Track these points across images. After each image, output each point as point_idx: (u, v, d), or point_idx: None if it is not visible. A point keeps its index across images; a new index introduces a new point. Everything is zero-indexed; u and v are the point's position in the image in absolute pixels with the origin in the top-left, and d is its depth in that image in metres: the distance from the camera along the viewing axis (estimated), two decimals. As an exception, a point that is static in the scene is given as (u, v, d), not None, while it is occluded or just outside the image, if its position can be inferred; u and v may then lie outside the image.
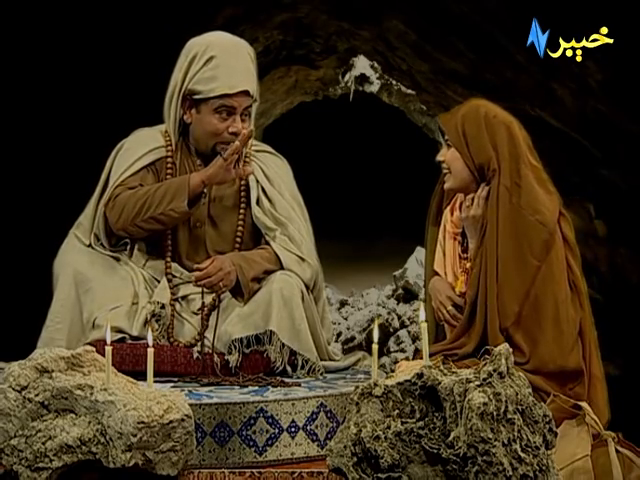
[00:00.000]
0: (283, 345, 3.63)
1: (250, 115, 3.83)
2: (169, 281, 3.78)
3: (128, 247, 3.85)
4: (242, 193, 3.86)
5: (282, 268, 3.74)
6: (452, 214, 3.78)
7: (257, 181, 3.86)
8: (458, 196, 3.76)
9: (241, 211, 3.84)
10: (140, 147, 3.84)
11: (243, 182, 3.86)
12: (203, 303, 3.71)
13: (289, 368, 3.66)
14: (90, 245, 3.82)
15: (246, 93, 3.76)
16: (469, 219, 3.66)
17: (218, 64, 3.74)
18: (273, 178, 3.88)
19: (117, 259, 3.82)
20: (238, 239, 3.83)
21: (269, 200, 3.85)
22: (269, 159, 3.93)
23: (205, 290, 3.70)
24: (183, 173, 3.82)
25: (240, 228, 3.84)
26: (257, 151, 3.92)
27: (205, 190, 3.81)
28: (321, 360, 3.74)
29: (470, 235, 3.67)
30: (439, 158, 3.70)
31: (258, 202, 3.84)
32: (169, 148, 3.84)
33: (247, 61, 3.81)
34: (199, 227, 3.83)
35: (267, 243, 3.81)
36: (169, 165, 3.82)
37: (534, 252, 3.57)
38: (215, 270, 3.68)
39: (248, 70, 3.80)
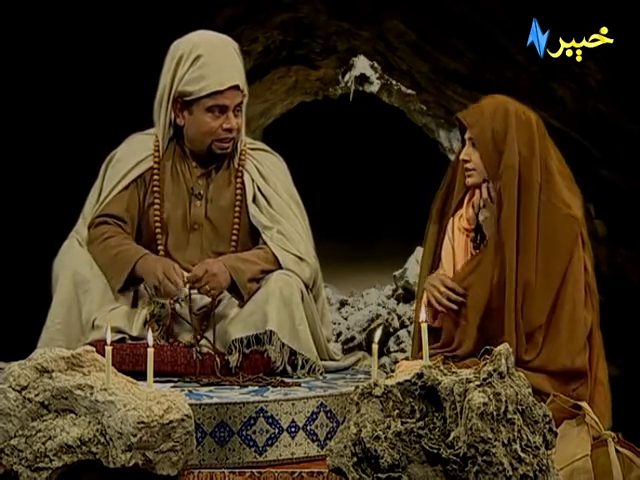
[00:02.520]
0: (283, 345, 3.62)
1: (242, 111, 3.82)
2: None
3: None
4: (238, 191, 3.85)
5: (280, 267, 3.74)
6: (467, 211, 3.75)
7: (252, 180, 3.86)
8: (475, 192, 3.73)
9: (236, 209, 3.84)
10: (130, 159, 3.85)
11: (239, 181, 3.86)
12: (190, 307, 3.71)
13: (289, 368, 3.66)
14: None
15: (236, 88, 3.76)
16: (485, 221, 3.66)
17: (205, 62, 3.74)
18: (268, 176, 3.87)
19: (117, 259, 3.82)
20: (234, 237, 3.82)
21: (265, 198, 3.84)
22: (264, 157, 3.92)
23: (194, 292, 3.70)
24: (179, 176, 3.83)
25: (236, 227, 3.83)
26: (252, 149, 3.91)
27: (202, 192, 3.81)
28: (321, 359, 3.74)
29: (489, 235, 3.66)
30: (464, 157, 3.64)
31: (254, 200, 3.84)
32: (156, 155, 3.84)
33: (234, 56, 3.81)
34: (197, 229, 3.83)
35: (265, 242, 3.80)
36: (155, 172, 3.82)
37: (565, 247, 3.54)
38: (201, 273, 3.67)
39: (235, 65, 3.79)
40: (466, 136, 3.66)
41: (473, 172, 3.64)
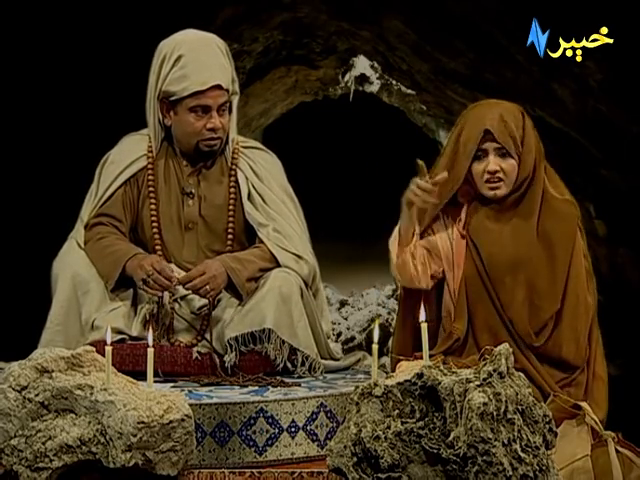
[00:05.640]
0: (283, 342, 3.62)
1: (230, 110, 3.81)
2: None
3: None
4: (231, 189, 3.85)
5: (278, 265, 3.74)
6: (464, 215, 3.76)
7: (246, 178, 3.85)
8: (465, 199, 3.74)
9: (230, 207, 3.84)
10: (123, 160, 3.85)
11: (232, 179, 3.86)
12: (169, 309, 3.71)
13: (289, 364, 3.65)
14: None
15: (219, 87, 3.74)
16: None
17: (187, 62, 3.72)
18: (262, 174, 3.87)
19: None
20: (230, 236, 3.82)
21: (260, 196, 3.84)
22: (258, 155, 3.91)
23: (184, 293, 3.70)
24: (170, 175, 3.83)
25: (231, 225, 3.83)
26: (245, 147, 3.90)
27: (193, 190, 3.82)
28: (321, 357, 3.74)
29: None
30: (495, 168, 3.57)
31: (249, 198, 3.84)
32: (150, 155, 3.84)
33: (217, 55, 3.77)
34: (192, 228, 3.83)
35: (261, 241, 3.80)
36: (149, 172, 3.83)
37: (569, 233, 3.56)
38: (197, 274, 3.66)
39: (219, 64, 3.76)
40: (489, 147, 3.60)
41: (501, 184, 3.61)
